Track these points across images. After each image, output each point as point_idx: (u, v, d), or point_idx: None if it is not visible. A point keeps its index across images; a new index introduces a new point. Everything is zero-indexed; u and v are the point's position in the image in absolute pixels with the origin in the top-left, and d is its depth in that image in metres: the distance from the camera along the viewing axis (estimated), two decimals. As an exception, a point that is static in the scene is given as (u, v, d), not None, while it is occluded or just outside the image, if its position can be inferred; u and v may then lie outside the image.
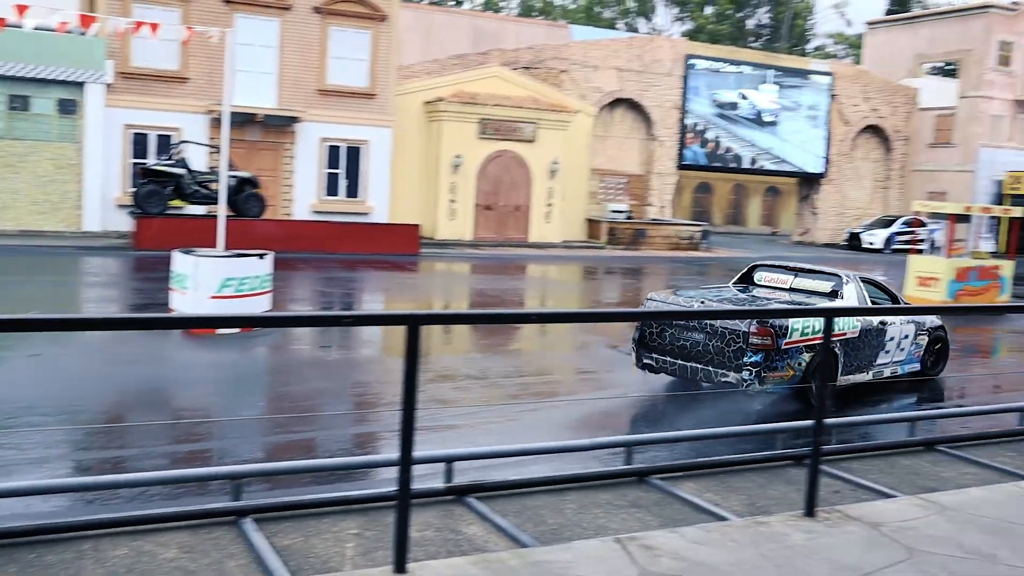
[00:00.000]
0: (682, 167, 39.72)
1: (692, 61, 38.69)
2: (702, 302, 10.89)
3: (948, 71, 50.86)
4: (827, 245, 43.09)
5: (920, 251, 24.50)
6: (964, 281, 20.58)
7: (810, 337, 10.36)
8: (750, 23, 75.88)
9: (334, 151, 29.76)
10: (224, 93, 14.83)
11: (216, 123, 26.27)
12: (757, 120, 40.64)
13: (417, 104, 31.73)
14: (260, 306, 13.49)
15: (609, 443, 7.68)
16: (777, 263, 12.58)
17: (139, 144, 27.43)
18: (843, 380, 11.03)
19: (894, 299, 12.24)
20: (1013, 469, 8.00)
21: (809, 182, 43.91)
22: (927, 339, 12.30)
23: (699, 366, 10.50)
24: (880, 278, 28.41)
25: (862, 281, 11.68)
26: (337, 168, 29.86)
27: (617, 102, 37.52)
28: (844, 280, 11.47)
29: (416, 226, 28.54)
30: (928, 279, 20.78)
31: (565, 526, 6.24)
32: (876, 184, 45.65)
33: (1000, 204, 41.37)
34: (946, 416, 9.84)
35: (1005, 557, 4.88)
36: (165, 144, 27.12)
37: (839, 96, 42.71)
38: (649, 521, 6.38)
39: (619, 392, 11.20)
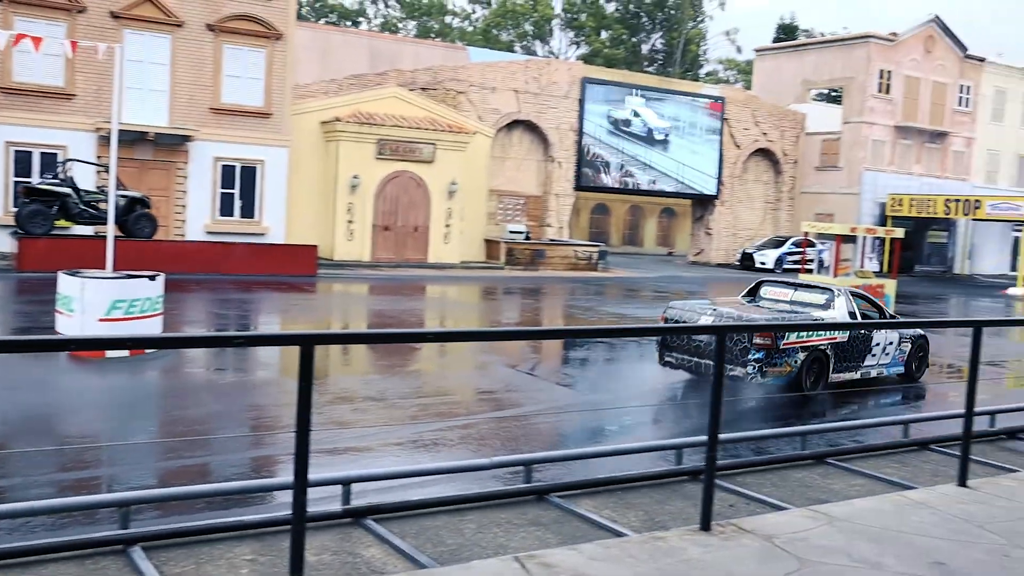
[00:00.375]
0: (580, 188, 40.22)
1: (588, 84, 39.28)
2: (714, 308, 12.80)
3: (833, 97, 52.76)
4: (721, 265, 44.09)
5: (809, 270, 25.24)
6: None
7: (805, 339, 12.16)
8: (644, 48, 77.43)
9: (229, 171, 29.22)
10: (112, 110, 14.43)
11: (105, 141, 25.54)
12: (652, 142, 41.43)
13: (314, 124, 31.43)
14: (151, 329, 13.12)
15: (508, 462, 7.68)
16: (780, 280, 14.70)
17: (22, 162, 26.47)
18: (834, 378, 12.79)
19: (880, 310, 13.97)
20: (898, 479, 8.27)
21: (703, 204, 44.92)
22: (910, 346, 14.06)
23: (710, 363, 10.84)
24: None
25: (851, 295, 13.47)
26: (232, 188, 29.32)
27: (515, 123, 37.83)
28: (836, 294, 13.32)
29: (313, 247, 28.20)
30: (816, 297, 21.37)
31: (464, 546, 6.21)
32: (767, 205, 46.95)
33: (883, 225, 42.97)
34: (835, 430, 10.12)
35: (891, 564, 5.03)
36: (50, 162, 26.23)
37: (730, 120, 43.86)
38: (548, 539, 6.39)
39: (518, 411, 11.22)
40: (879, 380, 13.78)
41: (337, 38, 43.19)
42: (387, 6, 78.10)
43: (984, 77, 50.43)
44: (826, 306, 13.20)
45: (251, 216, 29.70)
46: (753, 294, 14.21)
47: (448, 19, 79.02)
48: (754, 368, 11.82)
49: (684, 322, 12.66)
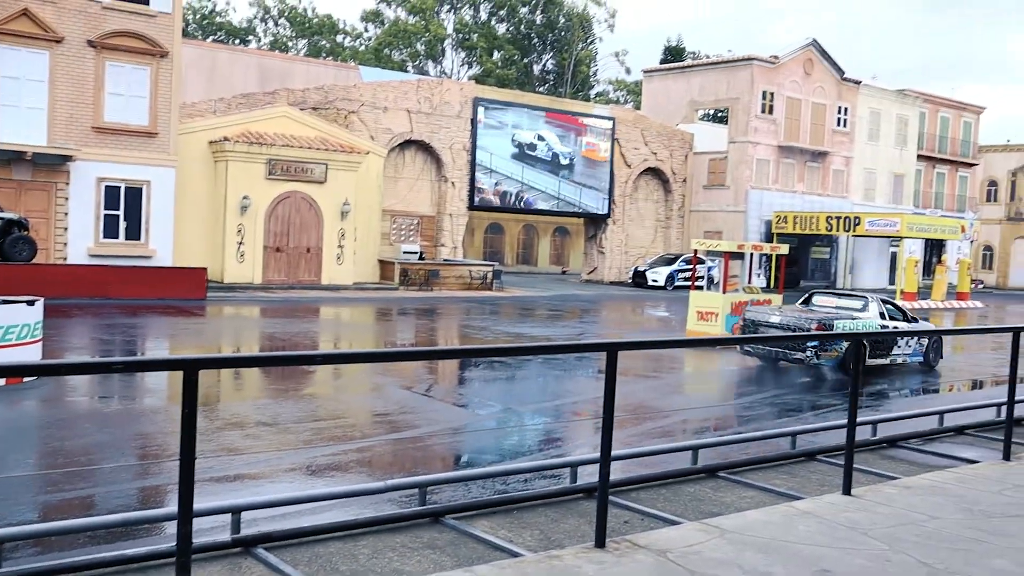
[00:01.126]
0: (473, 208, 40.32)
1: (481, 104, 39.46)
2: (779, 310, 17.74)
3: (719, 117, 54.15)
4: (614, 283, 44.70)
5: (699, 287, 25.77)
6: (740, 315, 21.75)
7: (848, 331, 15.71)
8: (536, 68, 78.27)
9: (113, 192, 28.36)
10: (-13, 129, 13.88)
11: (-21, 162, 24.54)
12: (544, 161, 41.82)
13: (202, 144, 30.80)
14: (29, 356, 12.61)
15: (402, 484, 7.59)
16: (827, 290, 19.96)
17: None
18: (870, 362, 16.76)
19: (904, 313, 18.08)
20: (786, 490, 8.46)
21: (595, 222, 45.50)
22: (928, 341, 18.15)
23: (779, 349, 16.73)
24: (663, 313, 29.65)
25: (881, 301, 17.71)
26: (116, 209, 28.46)
27: (408, 143, 37.76)
28: (869, 300, 17.56)
29: (202, 269, 27.58)
30: (707, 313, 21.86)
31: (358, 572, 6.11)
32: (658, 223, 47.84)
33: (770, 242, 44.21)
34: (726, 443, 10.30)
35: (779, 574, 5.13)
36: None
37: (620, 139, 44.61)
38: (444, 562, 6.34)
39: (413, 432, 11.13)
40: (901, 367, 18.17)
41: (225, 56, 42.46)
42: (277, 24, 77.25)
43: (860, 99, 52.49)
44: (863, 309, 17.39)
45: (137, 238, 28.87)
46: (807, 302, 18.53)
47: (339, 38, 78.55)
48: (811, 352, 16.14)
49: (762, 323, 17.03)
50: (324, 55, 72.90)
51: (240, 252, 30.88)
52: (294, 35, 77.10)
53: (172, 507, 6.94)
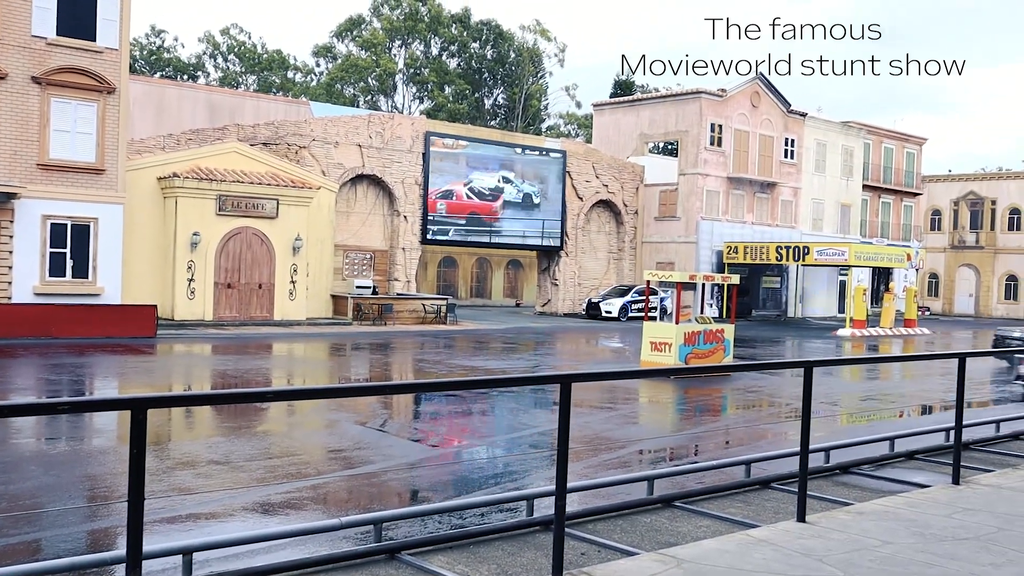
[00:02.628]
0: (426, 242, 40.30)
1: (432, 138, 39.57)
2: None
3: (669, 150, 54.77)
4: (568, 315, 44.82)
5: (653, 318, 25.91)
6: (693, 344, 21.91)
7: None
8: (487, 103, 78.72)
9: (59, 229, 27.92)
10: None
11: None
12: (496, 194, 41.97)
13: (151, 180, 30.51)
14: (-28, 398, 12.31)
15: (357, 521, 7.50)
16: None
17: None
18: None
19: None
20: (742, 519, 8.49)
21: (548, 255, 45.68)
22: None
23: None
24: (617, 344, 29.78)
25: None
26: (63, 247, 27.99)
27: (360, 178, 37.72)
28: None
29: (152, 307, 27.21)
30: (661, 344, 21.97)
31: (314, 612, 6.01)
32: (610, 255, 48.14)
33: (721, 272, 44.67)
34: (681, 473, 10.32)
35: (738, 603, 5.13)
36: None
37: (572, 172, 44.93)
38: (401, 599, 6.26)
39: (368, 468, 11.03)
40: None
41: (174, 92, 42.17)
42: (227, 60, 76.96)
43: (806, 131, 53.43)
44: None
45: (85, 276, 28.42)
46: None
47: (290, 74, 78.45)
48: None
49: (1008, 337, 23.89)
50: (274, 91, 72.73)
51: (191, 289, 30.54)
52: (244, 71, 76.86)
53: (121, 550, 6.79)
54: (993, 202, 65.74)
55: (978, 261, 66.08)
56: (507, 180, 42.27)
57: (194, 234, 30.38)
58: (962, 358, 8.86)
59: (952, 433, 10.07)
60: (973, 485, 8.64)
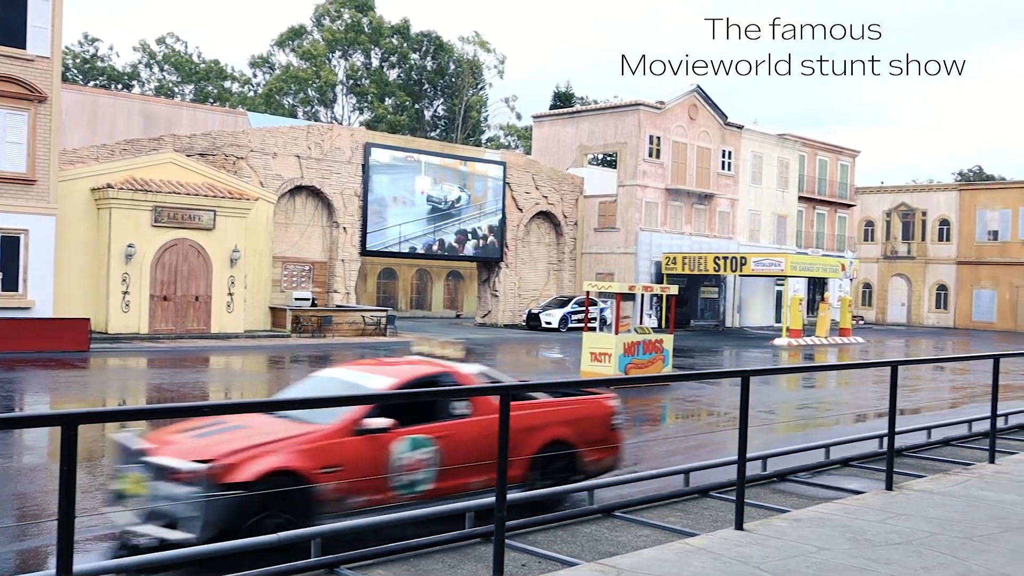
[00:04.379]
0: (365, 253, 40.09)
1: (372, 149, 39.41)
2: None
3: (609, 161, 55.20)
4: (508, 326, 44.85)
5: (592, 328, 26.02)
6: (632, 355, 22.05)
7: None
8: (428, 114, 78.62)
9: (-12, 241, 27.26)
10: None
11: None
12: (435, 206, 41.91)
13: (84, 191, 29.94)
14: None
15: (294, 537, 7.40)
16: None
17: None
18: None
19: None
20: (681, 528, 8.56)
21: (488, 266, 45.70)
22: None
23: None
24: (557, 355, 29.83)
25: None
26: (-8, 260, 27.35)
27: (298, 189, 37.42)
28: None
29: (85, 320, 26.69)
30: (600, 354, 22.07)
31: (251, 629, 5.91)
32: (550, 266, 48.32)
33: (660, 282, 45.08)
34: (621, 483, 10.36)
35: (677, 612, 5.16)
36: None
37: (512, 184, 45.05)
38: (340, 614, 6.19)
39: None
40: None
41: (108, 101, 41.45)
42: (163, 70, 75.90)
43: (743, 143, 54.21)
44: None
45: (15, 289, 27.76)
46: None
47: (227, 84, 77.59)
48: None
49: None
50: (211, 101, 71.88)
51: (125, 302, 30.00)
52: (180, 80, 75.82)
53: (51, 569, 6.63)
54: (924, 213, 67.25)
55: (910, 271, 67.54)
56: (447, 191, 42.23)
57: (129, 246, 29.87)
58: (894, 366, 9.04)
59: (885, 440, 10.26)
60: (906, 491, 8.81)
